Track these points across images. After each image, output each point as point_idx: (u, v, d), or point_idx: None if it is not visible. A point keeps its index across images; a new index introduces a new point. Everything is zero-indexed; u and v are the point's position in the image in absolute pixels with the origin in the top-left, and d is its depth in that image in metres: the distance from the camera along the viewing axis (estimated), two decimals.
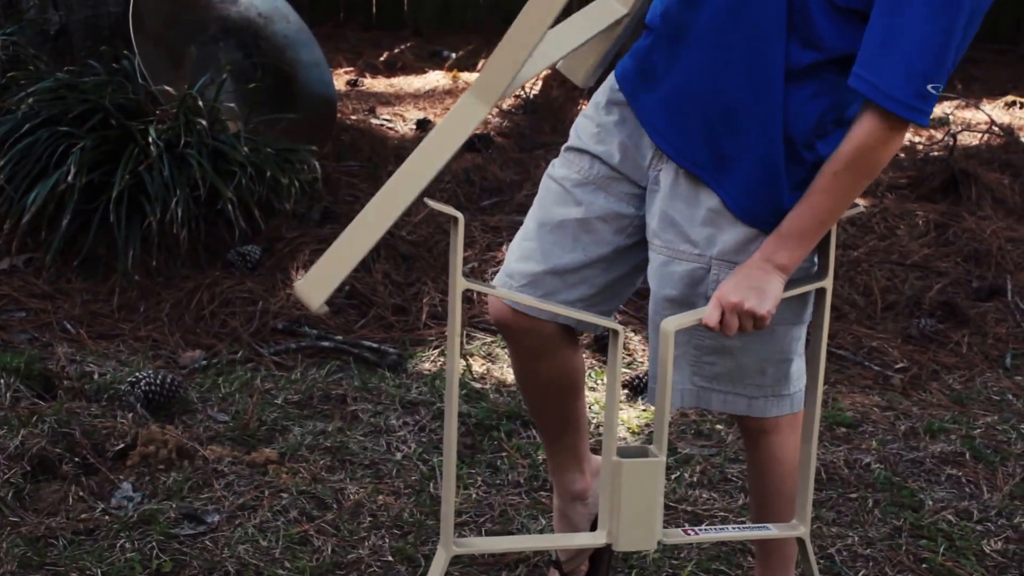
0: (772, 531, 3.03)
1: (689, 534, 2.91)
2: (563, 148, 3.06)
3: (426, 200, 2.50)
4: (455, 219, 2.46)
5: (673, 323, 2.70)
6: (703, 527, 2.90)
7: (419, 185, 2.50)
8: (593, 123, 3.00)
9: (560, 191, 3.01)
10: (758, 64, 2.70)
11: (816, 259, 2.87)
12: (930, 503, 4.16)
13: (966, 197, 7.02)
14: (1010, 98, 9.99)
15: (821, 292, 2.84)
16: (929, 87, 2.54)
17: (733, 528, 2.96)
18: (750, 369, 2.96)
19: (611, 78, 3.00)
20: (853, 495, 4.19)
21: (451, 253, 2.52)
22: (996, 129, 8.49)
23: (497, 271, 5.67)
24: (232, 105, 6.07)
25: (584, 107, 3.05)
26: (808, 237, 2.70)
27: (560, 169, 3.03)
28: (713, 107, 2.76)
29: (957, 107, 9.56)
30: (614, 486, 2.70)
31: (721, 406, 3.01)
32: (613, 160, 2.95)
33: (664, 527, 2.78)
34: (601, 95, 3.02)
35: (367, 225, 2.51)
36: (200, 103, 5.62)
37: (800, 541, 3.03)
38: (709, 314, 2.69)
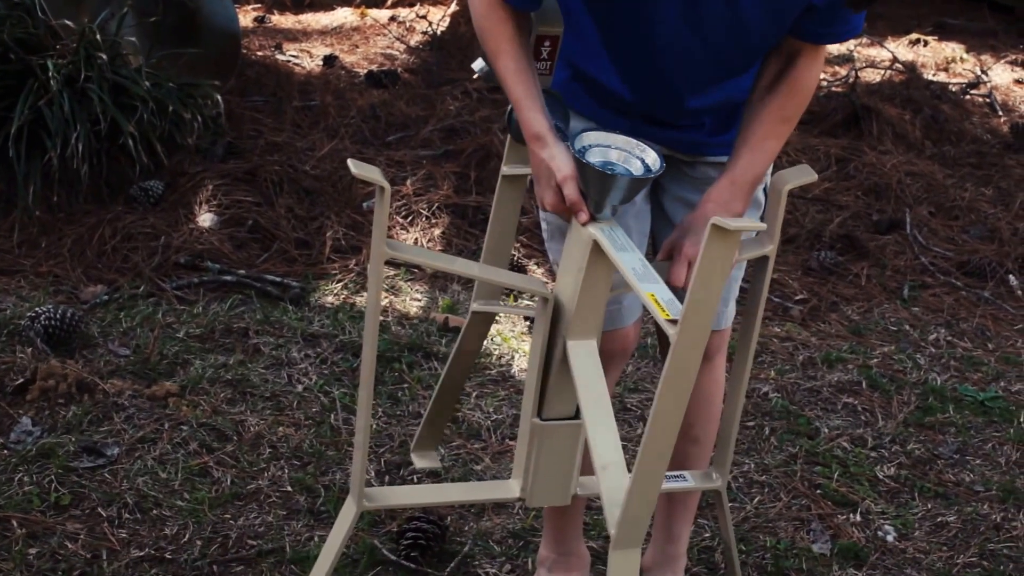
0: (690, 483, 3.06)
1: None
2: None
3: (350, 163, 2.46)
4: (381, 188, 2.42)
5: None
6: None
7: None
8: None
9: None
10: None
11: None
12: (826, 431, 4.23)
13: (867, 132, 7.09)
14: (914, 36, 10.05)
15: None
16: None
17: None
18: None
19: None
20: (750, 423, 4.25)
21: (375, 222, 2.47)
22: (899, 66, 8.57)
23: (402, 206, 5.71)
24: (134, 39, 6.01)
25: None
26: (760, 181, 2.81)
27: None
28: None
29: (861, 44, 9.62)
30: (532, 446, 2.71)
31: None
32: None
33: None
34: None
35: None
36: (100, 37, 5.57)
37: (717, 493, 3.07)
38: (677, 273, 2.67)
